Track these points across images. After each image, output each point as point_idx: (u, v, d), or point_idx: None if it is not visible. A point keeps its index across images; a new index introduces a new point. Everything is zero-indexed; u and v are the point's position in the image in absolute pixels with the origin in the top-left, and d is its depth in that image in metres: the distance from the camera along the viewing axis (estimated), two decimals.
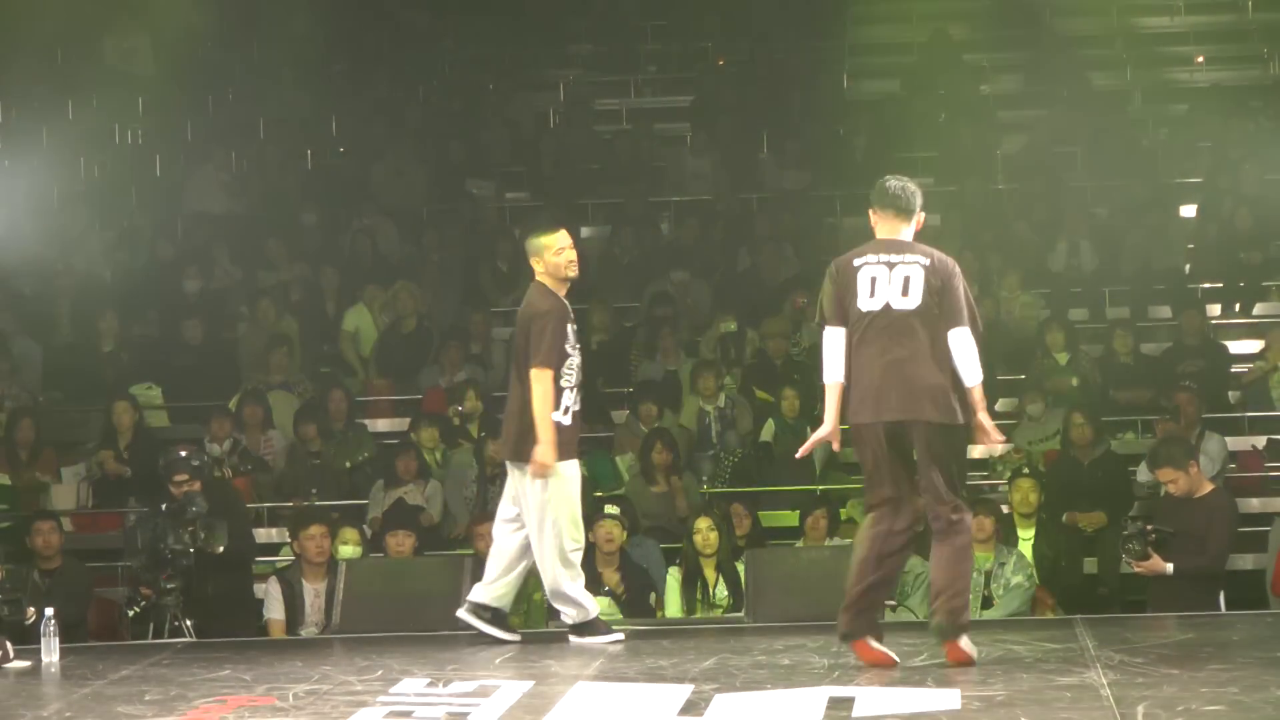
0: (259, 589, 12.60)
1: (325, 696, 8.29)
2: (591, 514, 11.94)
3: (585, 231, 18.42)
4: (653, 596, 12.42)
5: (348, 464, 15.11)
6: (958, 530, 8.52)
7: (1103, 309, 17.26)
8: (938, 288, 8.46)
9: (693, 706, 7.78)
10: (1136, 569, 11.13)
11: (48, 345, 17.23)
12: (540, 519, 9.69)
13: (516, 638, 9.92)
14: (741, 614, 11.21)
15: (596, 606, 10.02)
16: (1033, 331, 16.13)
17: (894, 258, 8.51)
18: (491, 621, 9.90)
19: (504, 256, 17.89)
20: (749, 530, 13.31)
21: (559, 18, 21.89)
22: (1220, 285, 17.39)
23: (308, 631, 12.02)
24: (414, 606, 10.74)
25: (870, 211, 8.72)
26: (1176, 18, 21.79)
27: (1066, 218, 17.96)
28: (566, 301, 9.87)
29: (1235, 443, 14.87)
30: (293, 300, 17.65)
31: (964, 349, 8.46)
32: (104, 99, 20.41)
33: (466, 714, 7.83)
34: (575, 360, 9.77)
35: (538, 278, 9.88)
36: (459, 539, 13.94)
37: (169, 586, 11.22)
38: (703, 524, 12.43)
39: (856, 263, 8.53)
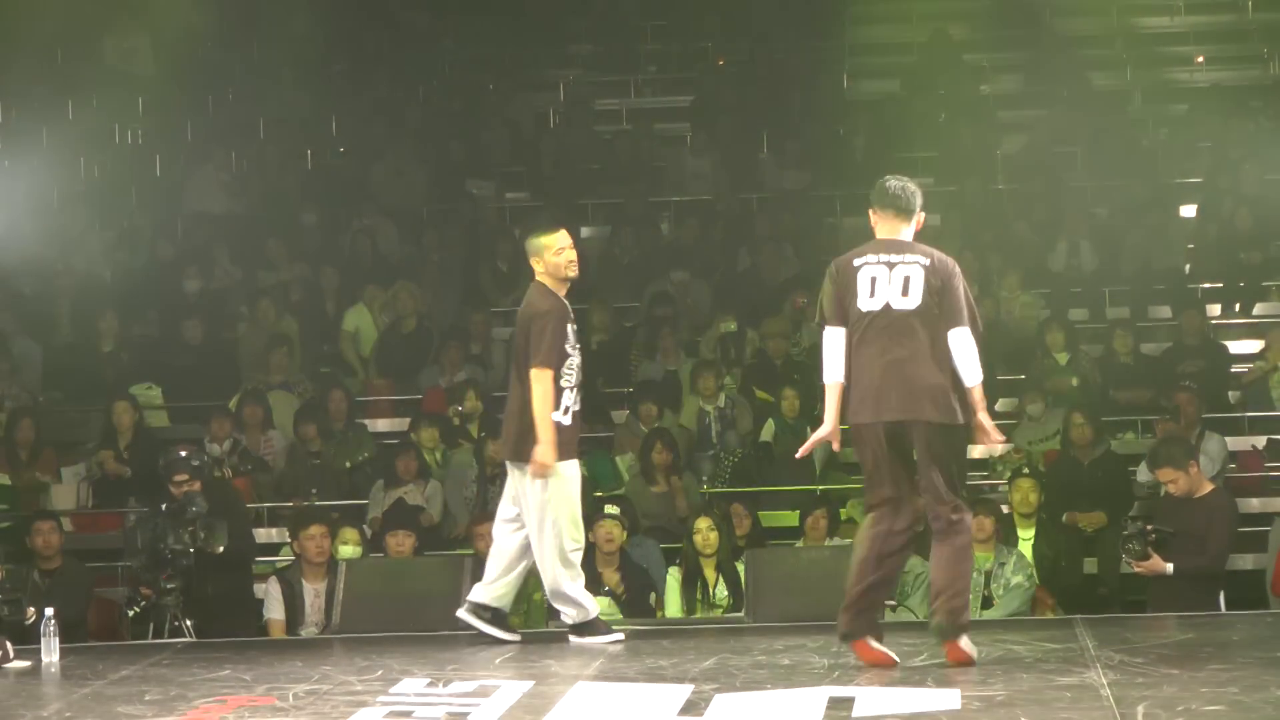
0: (259, 589, 12.60)
1: (325, 696, 8.29)
2: (591, 514, 11.94)
3: (585, 231, 18.42)
4: (653, 597, 12.42)
5: (348, 464, 15.11)
6: (958, 530, 8.52)
7: (1103, 309, 17.26)
8: (938, 288, 8.46)
9: (693, 706, 7.78)
10: (1136, 569, 11.13)
11: (48, 345, 17.23)
12: (540, 519, 9.69)
13: (516, 638, 9.92)
14: (741, 614, 11.21)
15: (597, 606, 10.02)
16: (1033, 331, 16.14)
17: (894, 258, 8.52)
18: (491, 621, 9.90)
19: (504, 256, 17.89)
20: (749, 530, 13.31)
21: (559, 18, 21.89)
22: (1220, 285, 17.39)
23: (308, 631, 12.02)
24: (414, 606, 10.74)
25: (870, 211, 8.72)
26: (1176, 18, 21.79)
27: (1066, 218, 17.95)
28: (566, 301, 9.88)
29: (1235, 443, 14.87)
30: (293, 300, 17.65)
31: (964, 349, 8.46)
32: (104, 99, 20.41)
33: (466, 714, 7.83)
34: (575, 360, 9.78)
35: (538, 278, 9.88)
36: (459, 539, 13.94)
37: (169, 586, 11.23)
38: (703, 524, 12.43)
39: (856, 263, 8.53)
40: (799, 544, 13.01)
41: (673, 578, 12.54)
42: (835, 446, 8.71)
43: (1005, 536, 12.56)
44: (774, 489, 14.55)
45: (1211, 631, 9.66)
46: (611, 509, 12.77)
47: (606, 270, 17.81)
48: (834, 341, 8.51)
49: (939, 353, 8.44)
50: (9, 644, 9.73)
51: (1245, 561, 13.33)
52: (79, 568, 12.70)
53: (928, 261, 8.51)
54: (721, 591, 12.34)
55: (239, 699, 8.29)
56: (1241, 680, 7.78)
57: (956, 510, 8.50)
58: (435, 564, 12.28)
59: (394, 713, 7.89)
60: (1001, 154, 19.51)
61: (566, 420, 9.69)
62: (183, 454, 11.91)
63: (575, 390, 9.77)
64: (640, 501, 13.94)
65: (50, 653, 9.59)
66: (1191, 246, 18.00)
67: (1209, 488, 11.29)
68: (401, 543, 12.69)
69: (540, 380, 9.60)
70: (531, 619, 11.68)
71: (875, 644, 8.47)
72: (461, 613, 9.98)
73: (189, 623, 11.22)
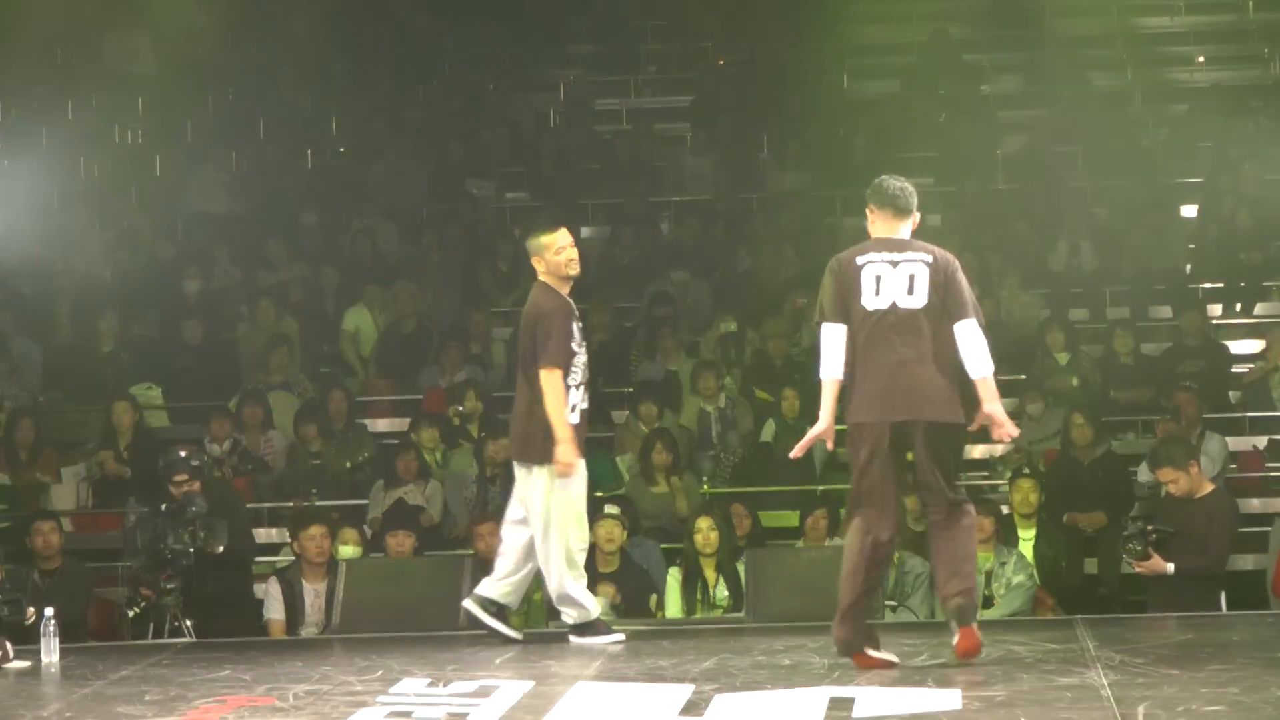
0: (259, 589, 12.61)
1: (325, 696, 8.29)
2: (591, 514, 11.91)
3: (585, 232, 18.41)
4: (653, 599, 12.40)
5: (348, 464, 15.11)
6: (962, 512, 8.55)
7: (1103, 309, 17.25)
8: (942, 284, 8.46)
9: (693, 707, 7.78)
10: (1137, 569, 11.13)
11: (48, 345, 17.23)
12: (546, 519, 9.69)
13: (518, 636, 9.92)
14: (741, 614, 11.21)
15: (598, 607, 10.03)
16: (1033, 331, 16.13)
17: (897, 256, 8.51)
18: (496, 616, 9.90)
19: (504, 257, 17.89)
20: (749, 530, 13.31)
21: (559, 18, 21.88)
22: (1221, 285, 17.39)
23: (308, 631, 12.02)
24: (414, 606, 10.74)
25: (868, 210, 8.71)
26: (1177, 18, 21.78)
27: (1067, 218, 17.95)
28: (570, 300, 9.88)
29: (1236, 443, 14.86)
30: (293, 300, 17.64)
31: (973, 341, 8.46)
32: (104, 99, 20.42)
33: (466, 714, 7.83)
34: (581, 359, 9.79)
35: (540, 278, 9.90)
36: (459, 539, 13.93)
37: (169, 586, 11.23)
38: (703, 524, 12.43)
39: (859, 261, 8.51)
40: (799, 544, 13.01)
41: (673, 578, 12.54)
42: (829, 445, 8.65)
43: (1005, 537, 12.57)
44: (774, 489, 14.54)
45: (1212, 632, 9.66)
46: (611, 509, 12.77)
47: (606, 270, 17.81)
48: (833, 338, 8.48)
49: (945, 352, 8.45)
50: (9, 644, 9.73)
51: (1246, 562, 13.33)
52: (79, 568, 12.70)
53: (930, 259, 8.51)
54: (721, 591, 12.34)
55: (239, 699, 8.29)
56: (1242, 681, 7.77)
57: (958, 499, 8.54)
58: (435, 564, 12.28)
59: (394, 713, 7.89)
60: (1001, 154, 19.50)
61: (574, 419, 9.70)
62: (182, 454, 11.92)
63: (582, 389, 9.78)
64: (640, 501, 13.94)
65: (50, 653, 9.59)
66: (1192, 246, 18.00)
67: (1209, 488, 11.29)
68: (401, 543, 12.69)
69: (550, 380, 9.61)
70: (531, 619, 11.68)
71: (874, 652, 8.47)
72: (467, 603, 10.00)
73: (189, 623, 11.22)
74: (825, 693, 7.93)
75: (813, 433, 8.58)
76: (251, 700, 8.26)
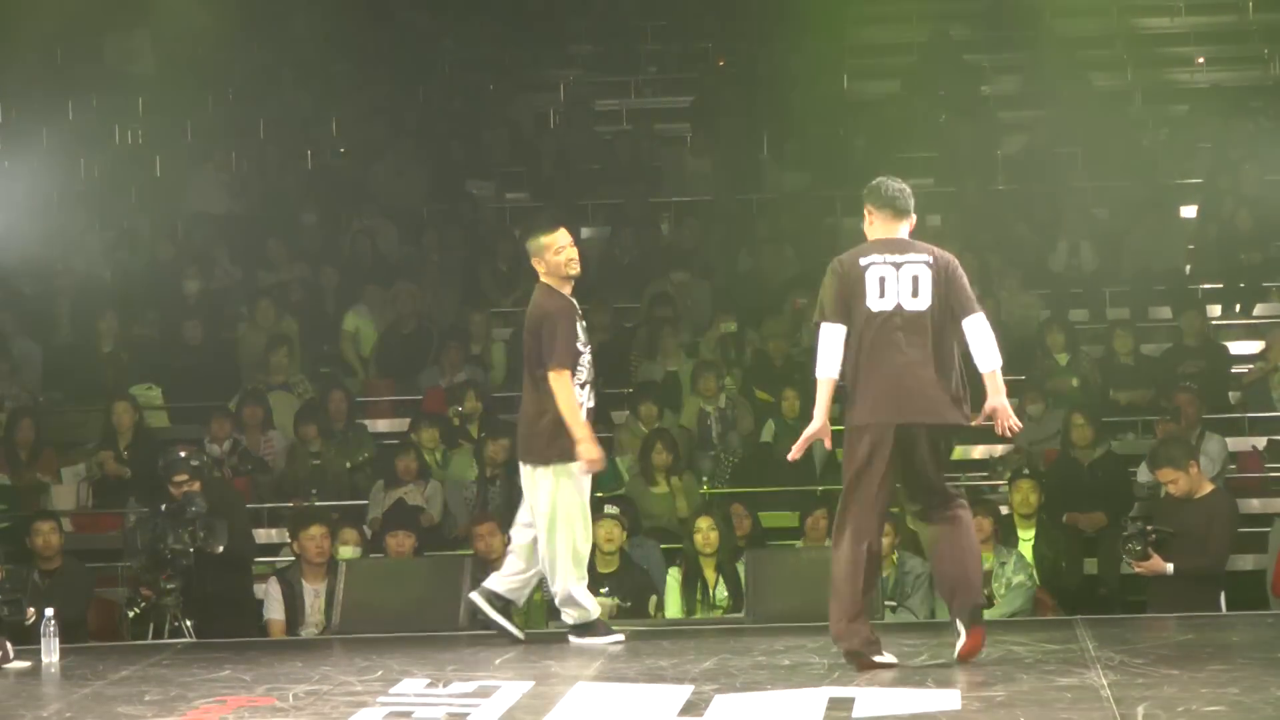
0: (259, 589, 12.60)
1: (325, 697, 8.29)
2: (592, 514, 11.92)
3: (585, 232, 18.41)
4: (652, 600, 12.39)
5: (348, 464, 15.11)
6: (962, 506, 8.59)
7: (1103, 310, 17.25)
8: (943, 285, 8.47)
9: (693, 707, 7.78)
10: (1137, 569, 11.14)
11: (48, 345, 17.23)
12: (550, 519, 9.70)
13: (520, 635, 9.92)
14: (741, 614, 11.21)
15: (598, 608, 10.03)
16: (1033, 332, 16.13)
17: (899, 257, 8.51)
18: (501, 611, 9.91)
19: (504, 257, 17.90)
20: (749, 530, 13.31)
21: (559, 18, 21.89)
22: (1220, 286, 17.39)
23: (308, 632, 12.02)
24: (414, 606, 10.74)
25: (866, 211, 8.71)
26: (1177, 18, 21.79)
27: (1067, 218, 17.96)
28: (574, 299, 9.89)
29: (1235, 443, 14.87)
30: (293, 300, 17.64)
31: (983, 334, 8.49)
32: (104, 99, 20.43)
33: (466, 714, 7.83)
34: (586, 357, 9.81)
35: (542, 278, 9.90)
36: (459, 539, 13.93)
37: (169, 587, 11.23)
38: (703, 523, 12.43)
39: (863, 262, 8.51)
40: (799, 544, 13.01)
41: (673, 578, 12.54)
42: (827, 444, 8.62)
43: (1005, 537, 12.57)
44: (774, 489, 14.54)
45: (1212, 632, 9.66)
46: (611, 509, 12.76)
47: (606, 270, 17.81)
48: (833, 338, 8.47)
49: (948, 354, 8.48)
50: (9, 644, 9.73)
51: (1245, 562, 13.33)
52: (79, 568, 12.69)
53: (931, 259, 8.52)
54: (721, 592, 12.34)
55: (239, 699, 8.29)
56: (1242, 681, 7.78)
57: (955, 494, 8.61)
58: (435, 564, 12.28)
59: (394, 713, 7.89)
60: (1001, 154, 19.50)
61: (581, 417, 9.71)
62: (182, 454, 11.92)
63: (588, 387, 9.80)
64: (640, 502, 13.94)
65: (50, 653, 9.59)
66: (1192, 247, 18.00)
67: (1209, 488, 11.29)
68: (401, 543, 12.69)
69: (560, 381, 9.63)
70: (531, 619, 11.68)
71: (878, 657, 8.47)
72: (473, 595, 10.02)
73: (189, 623, 11.22)
74: (825, 693, 7.93)
75: (808, 432, 8.55)
76: (251, 700, 8.26)
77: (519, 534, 9.96)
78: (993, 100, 20.52)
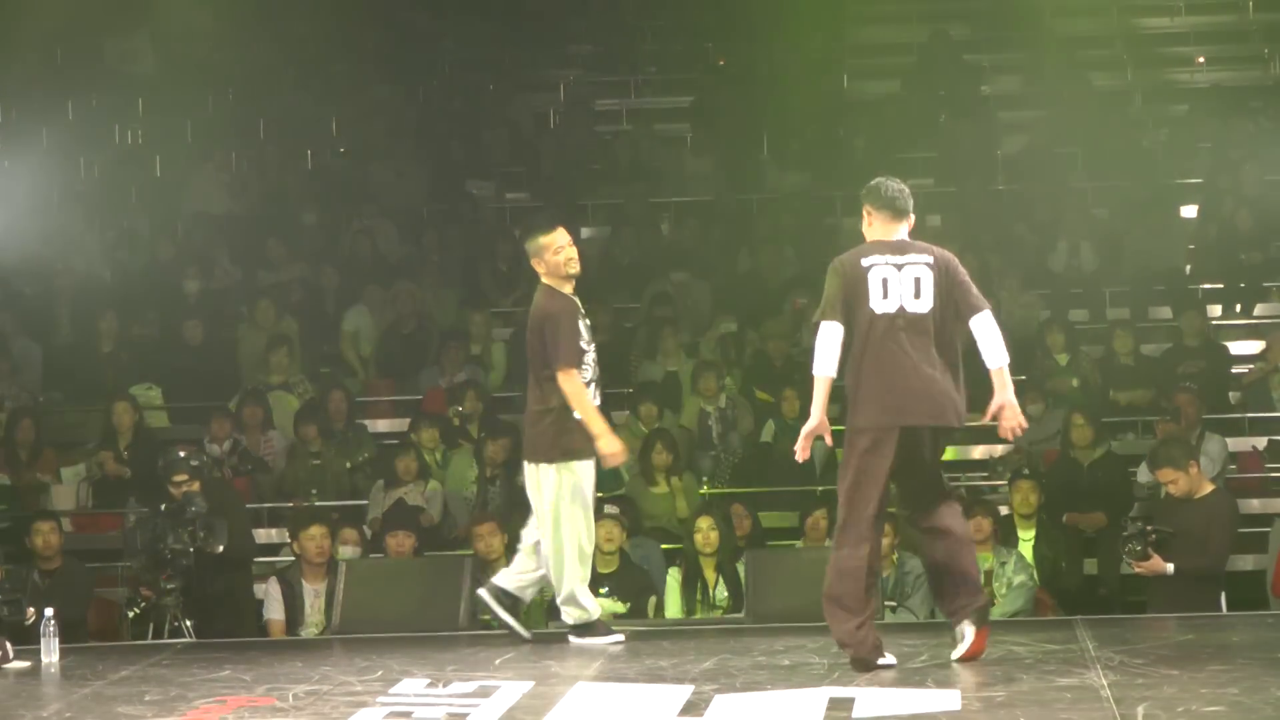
0: (259, 589, 12.60)
1: (325, 697, 8.29)
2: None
3: (585, 232, 18.41)
4: (652, 601, 12.39)
5: (348, 464, 15.11)
6: (957, 506, 8.68)
7: (1103, 310, 17.25)
8: (945, 285, 8.48)
9: (693, 707, 7.78)
10: (1137, 569, 11.13)
11: (48, 345, 17.23)
12: (554, 519, 9.71)
13: (527, 635, 9.93)
14: (741, 614, 11.21)
15: (598, 608, 10.04)
16: (1033, 332, 16.12)
17: (900, 259, 8.51)
18: (510, 609, 9.92)
19: (504, 257, 17.89)
20: (749, 530, 13.31)
21: (559, 18, 21.88)
22: (1221, 286, 17.40)
23: (308, 631, 12.02)
24: (414, 606, 10.74)
25: (864, 212, 8.71)
26: (1177, 18, 21.79)
27: (1067, 218, 17.95)
28: (576, 298, 9.89)
29: (1235, 443, 14.87)
30: (293, 300, 17.64)
31: (991, 331, 8.53)
32: (104, 99, 20.43)
33: (466, 714, 7.83)
34: (590, 356, 9.83)
35: (543, 279, 9.91)
36: (459, 539, 13.93)
37: (169, 587, 11.23)
38: (704, 523, 12.43)
39: (865, 263, 8.50)
40: (799, 544, 13.01)
41: (673, 578, 12.54)
42: (828, 440, 8.59)
43: (1005, 537, 12.57)
44: (774, 489, 14.54)
45: (1211, 632, 9.66)
46: (611, 509, 12.76)
47: (606, 271, 17.80)
48: (832, 336, 8.45)
49: (950, 356, 8.51)
50: (9, 644, 9.73)
51: (1245, 562, 13.33)
52: (79, 568, 12.70)
53: (931, 260, 8.53)
54: (721, 592, 12.34)
55: (239, 699, 8.29)
56: (1242, 681, 7.78)
57: (951, 491, 8.77)
58: (435, 564, 12.27)
59: (394, 713, 7.89)
60: (1001, 154, 19.50)
61: None
62: (182, 454, 11.92)
63: (593, 385, 9.81)
64: (640, 502, 13.94)
65: (50, 653, 9.60)
66: (1192, 247, 18.00)
67: (1209, 488, 11.29)
68: (401, 543, 12.68)
69: (569, 380, 9.66)
70: (531, 620, 11.67)
71: (880, 660, 8.48)
72: (481, 591, 10.04)
73: (189, 623, 11.22)
74: (825, 693, 7.93)
75: (807, 429, 8.51)
76: (251, 700, 8.27)
77: (529, 532, 9.97)
78: (993, 100, 20.52)
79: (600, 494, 13.60)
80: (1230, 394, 15.76)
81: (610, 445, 9.73)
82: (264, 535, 14.24)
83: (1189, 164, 18.94)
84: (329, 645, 10.56)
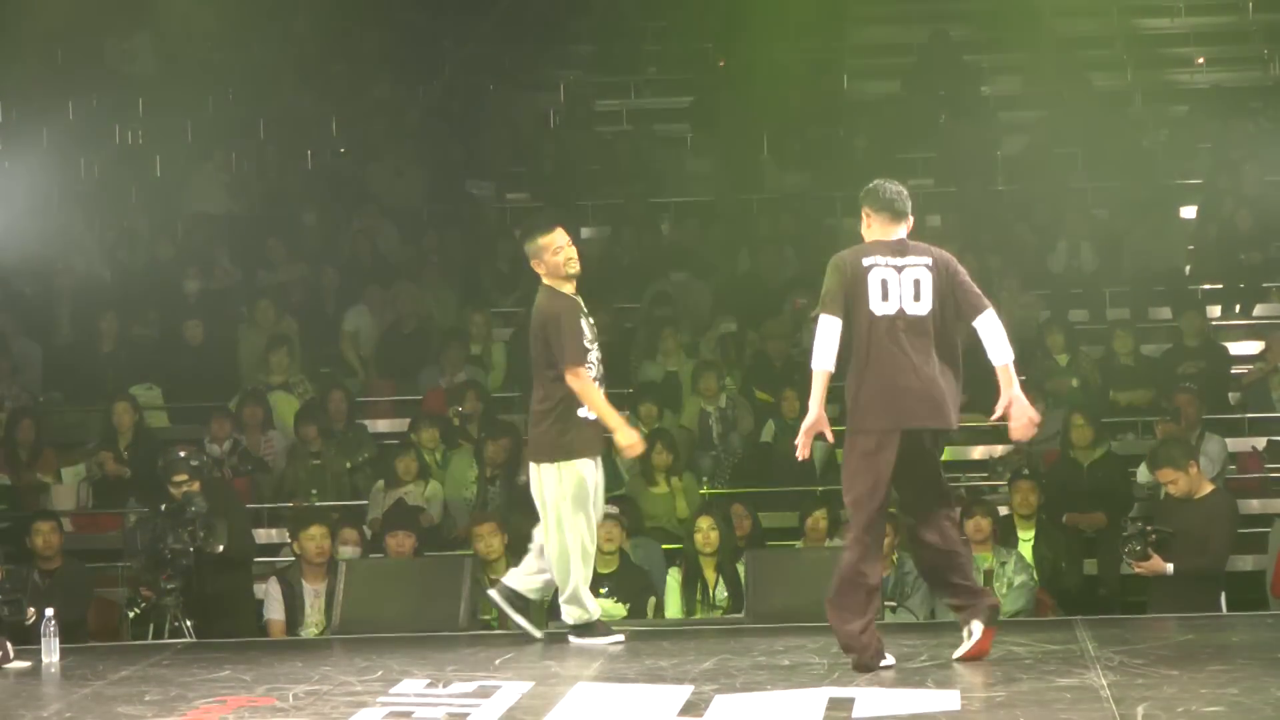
0: (259, 589, 12.60)
1: (325, 697, 8.29)
2: None
3: (585, 232, 18.41)
4: (651, 602, 12.38)
5: (348, 464, 15.11)
6: (955, 509, 8.77)
7: (1103, 310, 17.26)
8: (945, 287, 8.48)
9: (693, 707, 7.78)
10: (1137, 569, 11.14)
11: (48, 345, 17.23)
12: (557, 519, 9.71)
13: (538, 634, 9.94)
14: (741, 614, 11.21)
15: (598, 609, 10.04)
16: (1033, 333, 16.12)
17: (900, 260, 8.51)
18: (521, 610, 9.93)
19: (504, 257, 17.90)
20: (749, 530, 13.31)
21: (559, 18, 21.88)
22: (1220, 286, 17.40)
23: (308, 631, 12.02)
24: (414, 606, 10.74)
25: (863, 213, 8.70)
26: (1177, 19, 21.80)
27: (1067, 219, 17.95)
28: (578, 298, 9.90)
29: (1235, 444, 14.87)
30: (293, 300, 17.64)
31: (995, 330, 8.54)
32: (104, 99, 20.42)
33: (466, 715, 7.83)
34: (594, 355, 9.83)
35: (543, 280, 9.91)
36: (459, 539, 13.93)
37: (169, 587, 11.23)
38: (704, 523, 12.43)
39: (865, 263, 8.50)
40: (799, 544, 13.01)
41: (673, 578, 12.54)
42: (829, 437, 8.57)
43: (1005, 538, 12.57)
44: (774, 489, 14.54)
45: (1211, 633, 9.66)
46: (611, 509, 12.75)
47: (606, 271, 17.79)
48: (831, 331, 8.42)
49: (950, 358, 8.52)
50: (9, 644, 9.73)
51: (1245, 563, 13.33)
52: (79, 568, 12.70)
53: (930, 261, 8.53)
54: (721, 592, 12.34)
55: (239, 699, 8.29)
56: (1241, 681, 7.78)
57: (949, 496, 8.73)
58: (435, 564, 12.27)
59: (394, 713, 7.89)
60: (1001, 155, 19.50)
61: (593, 415, 9.72)
62: (182, 454, 11.91)
63: (597, 384, 9.82)
64: (640, 502, 13.94)
65: (50, 653, 9.60)
66: (1192, 248, 18.01)
67: (1209, 488, 11.29)
68: (401, 543, 12.68)
69: (577, 378, 9.68)
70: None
71: (881, 662, 8.48)
72: (491, 592, 10.06)
73: (189, 623, 11.22)
74: (825, 693, 7.93)
75: (806, 425, 8.48)
76: (251, 700, 8.27)
77: (540, 532, 9.97)
78: (992, 100, 20.53)
79: None
80: (1230, 394, 15.76)
81: (627, 437, 9.80)
82: (264, 535, 14.24)
83: (1189, 164, 18.94)
84: (329, 645, 10.56)
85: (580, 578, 9.76)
